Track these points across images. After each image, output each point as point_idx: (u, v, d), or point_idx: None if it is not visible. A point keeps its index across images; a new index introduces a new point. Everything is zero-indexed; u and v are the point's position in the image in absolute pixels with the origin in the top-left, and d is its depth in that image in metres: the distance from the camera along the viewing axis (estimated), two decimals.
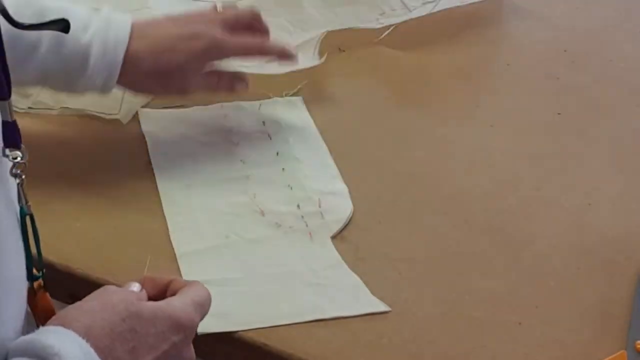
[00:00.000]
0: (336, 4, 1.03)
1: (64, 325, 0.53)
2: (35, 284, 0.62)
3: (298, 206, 0.76)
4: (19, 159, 0.59)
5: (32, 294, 0.61)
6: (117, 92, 0.87)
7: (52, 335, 0.51)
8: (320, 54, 0.92)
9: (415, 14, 1.01)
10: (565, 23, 1.04)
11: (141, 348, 0.55)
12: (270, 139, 0.84)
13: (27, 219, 0.59)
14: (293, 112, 0.88)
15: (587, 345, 0.65)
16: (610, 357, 0.64)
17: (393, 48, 0.97)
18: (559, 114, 0.91)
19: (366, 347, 0.64)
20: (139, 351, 0.55)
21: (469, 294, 0.69)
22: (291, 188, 0.78)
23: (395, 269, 0.68)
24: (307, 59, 0.91)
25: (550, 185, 0.81)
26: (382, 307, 0.67)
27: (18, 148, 0.58)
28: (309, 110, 0.88)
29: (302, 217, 0.75)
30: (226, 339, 0.65)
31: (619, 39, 1.03)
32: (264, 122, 0.86)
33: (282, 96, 0.90)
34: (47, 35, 0.75)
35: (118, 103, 0.87)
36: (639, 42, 1.03)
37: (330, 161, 0.82)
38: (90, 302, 0.56)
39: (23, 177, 0.60)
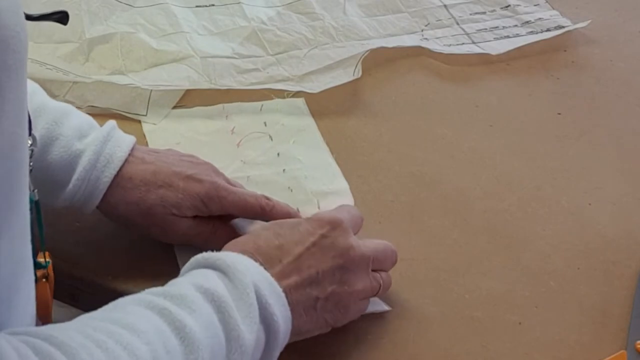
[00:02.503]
0: (378, 13, 1.02)
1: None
2: (39, 273, 0.64)
3: (297, 210, 0.75)
4: (29, 145, 0.60)
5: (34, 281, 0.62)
6: (144, 92, 0.87)
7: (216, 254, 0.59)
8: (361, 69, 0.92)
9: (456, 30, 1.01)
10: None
11: (287, 244, 0.62)
12: (272, 139, 0.84)
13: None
14: (295, 113, 0.88)
15: (587, 345, 0.66)
16: (610, 357, 0.64)
17: (393, 49, 0.97)
18: (559, 113, 0.91)
19: (366, 347, 0.65)
20: (285, 247, 0.61)
21: (469, 293, 0.69)
22: (291, 190, 0.78)
23: (395, 269, 0.68)
24: (347, 74, 0.91)
25: (550, 185, 0.81)
26: (382, 307, 0.67)
27: (29, 134, 0.59)
28: (310, 112, 0.88)
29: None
30: None
31: (620, 39, 1.03)
32: (265, 123, 0.86)
33: (284, 97, 0.90)
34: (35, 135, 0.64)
35: (145, 103, 0.87)
36: (639, 42, 1.03)
37: (331, 161, 0.82)
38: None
39: (31, 164, 0.60)
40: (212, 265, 0.58)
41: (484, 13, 1.04)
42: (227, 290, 0.56)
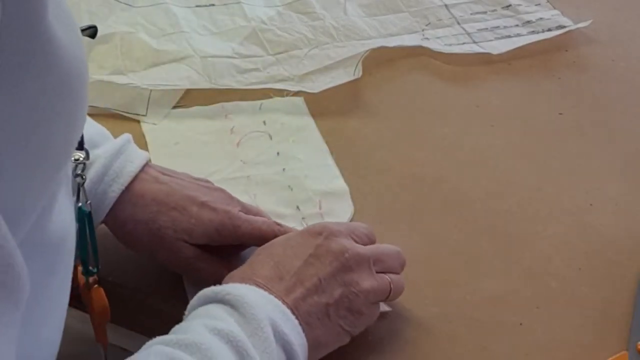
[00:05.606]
0: (378, 12, 1.02)
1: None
2: (91, 279, 0.65)
3: (298, 207, 0.75)
4: (81, 159, 0.62)
5: (86, 288, 0.65)
6: (143, 92, 0.87)
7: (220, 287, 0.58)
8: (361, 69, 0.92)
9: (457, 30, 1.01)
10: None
11: (284, 261, 0.60)
12: (271, 139, 0.84)
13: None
14: (294, 112, 0.88)
15: (589, 346, 0.65)
16: (611, 357, 0.64)
17: (393, 49, 0.96)
18: (560, 113, 0.90)
19: (366, 347, 0.64)
20: (284, 264, 0.60)
21: (469, 294, 0.69)
22: (291, 189, 0.78)
23: None
24: (347, 74, 0.91)
25: (551, 185, 0.81)
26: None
27: (81, 149, 0.61)
28: (310, 112, 0.88)
29: (303, 218, 0.75)
30: None
31: (621, 39, 1.03)
32: (264, 122, 0.86)
33: (283, 96, 0.89)
34: None
35: (145, 103, 0.87)
36: None
37: (330, 161, 0.82)
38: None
39: (84, 176, 0.63)
40: (221, 299, 0.56)
41: (484, 13, 1.04)
42: (241, 327, 0.54)
